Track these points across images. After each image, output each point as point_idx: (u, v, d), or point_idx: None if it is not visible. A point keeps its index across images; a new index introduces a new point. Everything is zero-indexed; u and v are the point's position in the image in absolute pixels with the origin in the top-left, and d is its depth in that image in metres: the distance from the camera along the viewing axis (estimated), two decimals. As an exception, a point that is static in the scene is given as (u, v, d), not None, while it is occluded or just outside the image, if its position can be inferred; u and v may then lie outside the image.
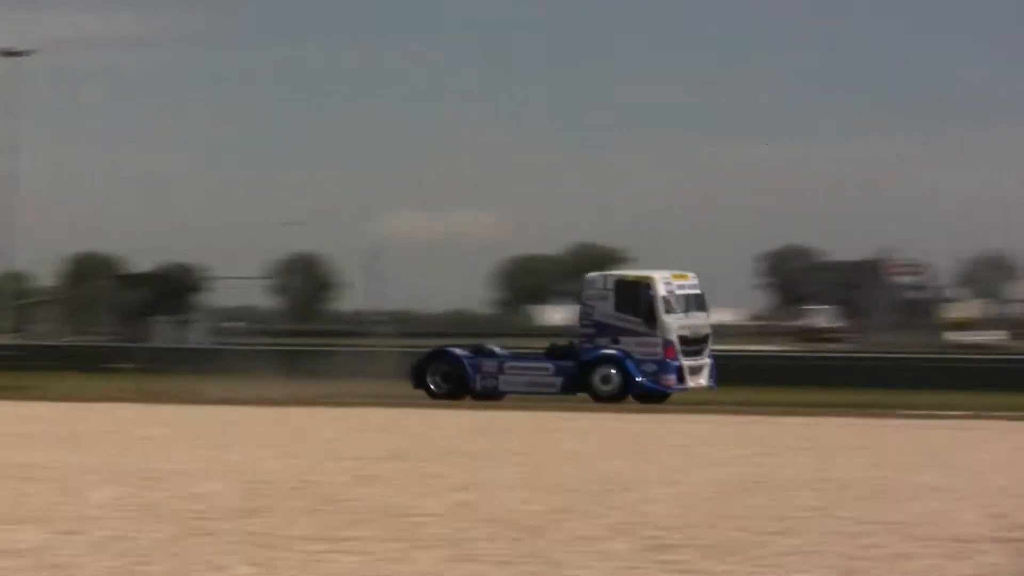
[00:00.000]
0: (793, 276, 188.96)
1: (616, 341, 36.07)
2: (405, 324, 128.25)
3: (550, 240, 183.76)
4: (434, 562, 12.31)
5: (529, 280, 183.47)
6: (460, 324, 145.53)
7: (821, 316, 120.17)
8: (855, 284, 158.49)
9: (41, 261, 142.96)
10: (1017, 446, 23.23)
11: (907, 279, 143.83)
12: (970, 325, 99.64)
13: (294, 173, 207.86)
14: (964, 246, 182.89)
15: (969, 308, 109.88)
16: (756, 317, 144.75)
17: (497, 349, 39.73)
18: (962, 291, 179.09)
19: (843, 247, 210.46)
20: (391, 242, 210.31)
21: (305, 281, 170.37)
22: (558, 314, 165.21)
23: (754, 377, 43.29)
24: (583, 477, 18.55)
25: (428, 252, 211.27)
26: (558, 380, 36.54)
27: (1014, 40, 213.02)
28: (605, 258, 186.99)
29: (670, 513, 15.05)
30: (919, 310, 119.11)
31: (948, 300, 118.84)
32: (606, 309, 36.37)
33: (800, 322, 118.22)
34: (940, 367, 51.34)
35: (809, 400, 36.02)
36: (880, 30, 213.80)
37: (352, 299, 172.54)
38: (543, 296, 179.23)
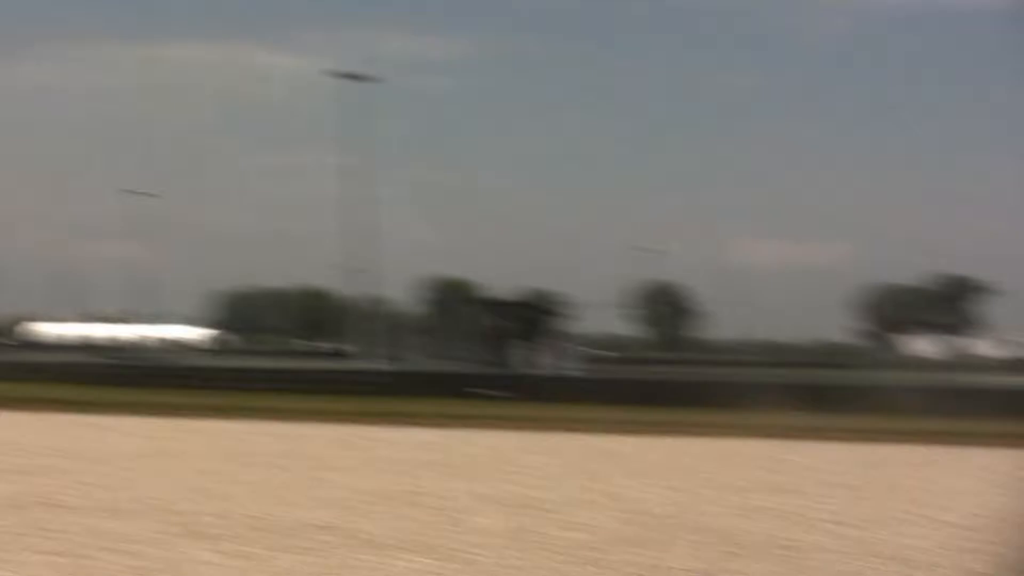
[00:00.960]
0: None
1: None
2: (768, 353, 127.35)
3: (903, 269, 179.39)
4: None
5: (892, 310, 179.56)
6: (824, 354, 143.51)
7: None
8: None
9: (404, 286, 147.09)
10: None
11: None
12: None
13: (647, 199, 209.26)
14: None
15: None
16: None
17: None
18: None
19: None
20: (746, 270, 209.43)
21: (665, 309, 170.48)
22: (926, 344, 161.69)
23: None
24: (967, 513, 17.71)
25: (781, 280, 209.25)
26: None
27: None
28: (972, 289, 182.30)
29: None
30: None
31: None
32: None
33: None
34: None
35: None
36: None
37: (712, 327, 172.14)
38: (908, 326, 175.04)
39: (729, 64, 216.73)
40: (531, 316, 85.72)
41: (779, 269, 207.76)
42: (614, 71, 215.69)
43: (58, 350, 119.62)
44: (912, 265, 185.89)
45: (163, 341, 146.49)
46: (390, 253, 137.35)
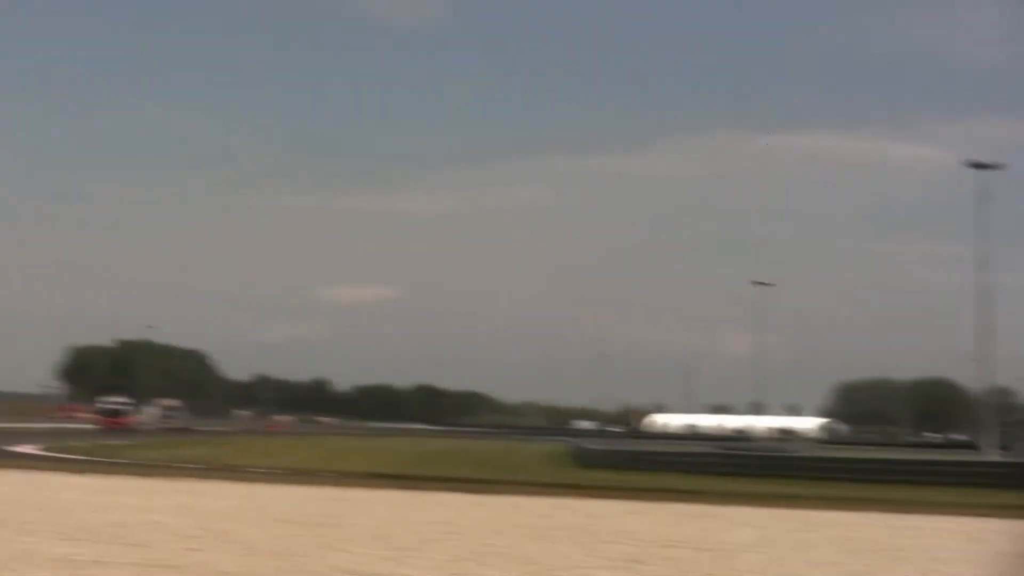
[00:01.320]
0: None
1: None
2: None
3: None
4: None
5: None
6: None
7: None
8: None
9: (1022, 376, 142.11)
10: None
11: None
12: None
13: None
14: None
15: None
16: None
17: None
18: None
19: None
20: None
21: None
22: None
23: None
24: None
25: None
26: None
27: None
28: None
29: None
30: None
31: None
32: None
33: None
34: None
35: None
36: None
37: None
38: None
39: None
40: None
41: None
42: None
43: (671, 440, 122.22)
44: None
45: (775, 431, 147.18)
46: (1015, 343, 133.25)
